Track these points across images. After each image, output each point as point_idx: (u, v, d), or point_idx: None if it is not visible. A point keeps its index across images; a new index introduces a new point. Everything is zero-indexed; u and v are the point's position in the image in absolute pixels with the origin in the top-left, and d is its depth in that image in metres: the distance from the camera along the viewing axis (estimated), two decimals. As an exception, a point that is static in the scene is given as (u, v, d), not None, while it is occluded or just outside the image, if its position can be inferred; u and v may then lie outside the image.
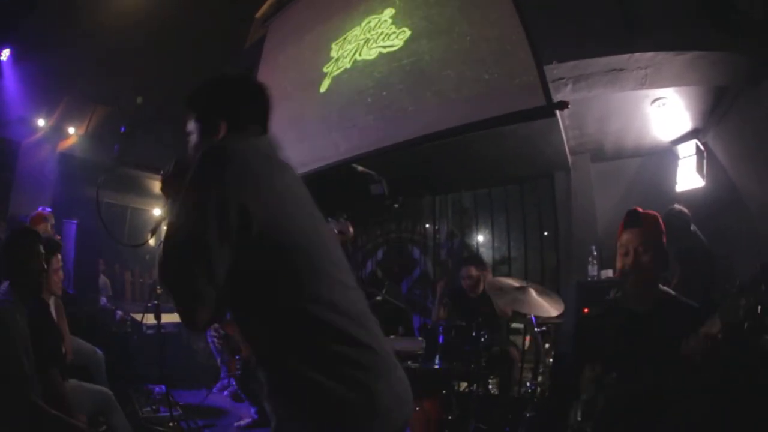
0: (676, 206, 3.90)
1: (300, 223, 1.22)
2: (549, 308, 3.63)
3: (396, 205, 4.35)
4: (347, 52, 4.64)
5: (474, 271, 4.25)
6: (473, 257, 4.73)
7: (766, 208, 3.71)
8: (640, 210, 2.11)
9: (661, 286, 2.11)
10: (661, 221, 2.10)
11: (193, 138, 1.41)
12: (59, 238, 4.73)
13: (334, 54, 4.80)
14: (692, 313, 1.98)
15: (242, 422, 4.12)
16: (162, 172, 1.42)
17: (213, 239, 1.07)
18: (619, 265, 2.12)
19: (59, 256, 3.26)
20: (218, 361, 5.01)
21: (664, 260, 2.07)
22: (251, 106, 1.43)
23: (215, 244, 1.07)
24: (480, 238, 6.25)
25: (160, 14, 5.98)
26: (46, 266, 2.75)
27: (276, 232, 1.14)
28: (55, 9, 5.79)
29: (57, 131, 6.50)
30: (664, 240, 2.07)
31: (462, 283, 4.32)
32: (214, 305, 1.09)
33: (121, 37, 5.96)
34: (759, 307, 2.32)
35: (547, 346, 4.96)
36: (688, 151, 4.54)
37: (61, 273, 3.27)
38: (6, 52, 5.81)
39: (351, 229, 3.47)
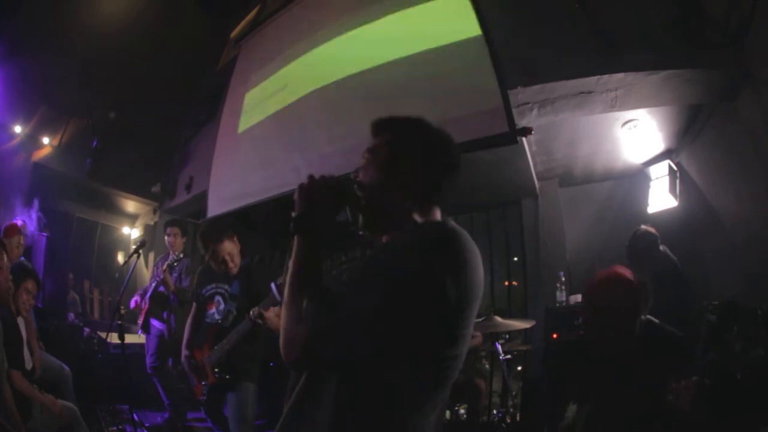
0: (642, 227, 3.90)
1: None
2: (518, 324, 3.65)
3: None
4: (314, 75, 4.58)
5: None
6: None
7: (744, 225, 3.69)
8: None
9: (644, 316, 2.06)
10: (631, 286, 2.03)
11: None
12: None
13: (300, 76, 4.74)
14: (677, 343, 1.96)
15: None
16: None
17: None
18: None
19: (33, 283, 3.36)
20: None
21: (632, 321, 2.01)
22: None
23: None
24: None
25: (137, 30, 5.96)
26: (15, 287, 3.02)
27: None
28: (36, 16, 5.74)
29: (32, 140, 6.39)
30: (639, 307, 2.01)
31: None
32: None
33: (99, 49, 5.93)
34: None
35: (519, 368, 4.95)
36: (660, 172, 4.53)
37: (32, 299, 3.36)
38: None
39: None
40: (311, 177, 1.28)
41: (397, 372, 1.05)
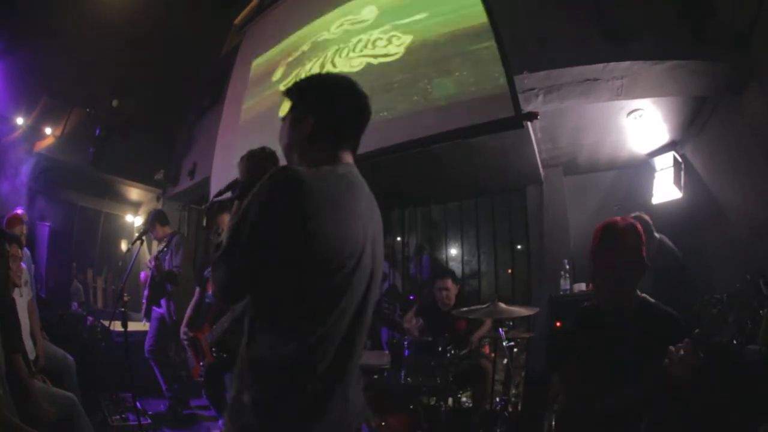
0: (634, 213, 3.87)
1: None
2: (521, 311, 3.62)
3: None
4: (319, 60, 4.58)
5: (450, 284, 4.28)
6: (450, 271, 4.70)
7: (748, 220, 3.66)
8: (617, 224, 2.04)
9: (639, 292, 2.05)
10: (638, 228, 2.02)
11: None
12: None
13: (307, 63, 4.74)
14: (673, 322, 1.95)
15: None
16: None
17: None
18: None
19: (16, 247, 3.29)
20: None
21: (641, 267, 2.00)
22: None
23: None
24: (450, 251, 6.19)
25: (139, 19, 5.94)
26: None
27: None
28: (36, 7, 5.73)
29: (34, 131, 6.41)
30: (643, 250, 2.00)
31: (436, 294, 4.32)
32: None
33: (100, 39, 5.91)
34: (748, 322, 2.32)
35: (523, 356, 4.95)
36: (665, 164, 4.49)
37: (20, 264, 3.35)
38: (-11, 49, 5.72)
39: None
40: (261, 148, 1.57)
41: (274, 301, 1.25)
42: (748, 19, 3.22)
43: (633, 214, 3.81)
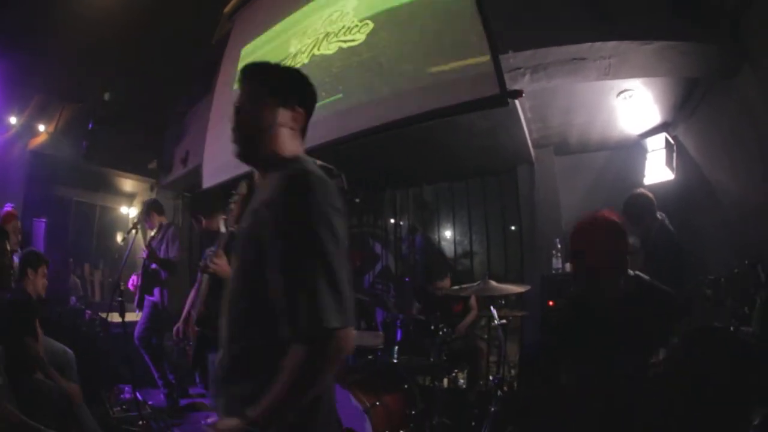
0: (638, 190, 3.86)
1: None
2: (512, 288, 3.63)
3: (357, 200, 4.32)
4: (305, 47, 4.58)
5: (449, 283, 4.32)
6: (444, 268, 4.66)
7: (740, 202, 3.68)
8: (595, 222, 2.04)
9: (632, 271, 2.05)
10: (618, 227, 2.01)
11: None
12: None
13: (292, 49, 4.74)
14: (669, 299, 1.96)
15: (210, 419, 4.03)
16: None
17: None
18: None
19: (45, 267, 3.57)
20: None
21: (618, 267, 2.01)
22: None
23: None
24: (442, 232, 6.22)
25: (129, 9, 5.92)
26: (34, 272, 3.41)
27: None
28: (27, 5, 5.71)
29: (28, 129, 6.42)
30: (621, 249, 2.00)
31: (436, 285, 4.35)
32: None
33: (89, 33, 5.89)
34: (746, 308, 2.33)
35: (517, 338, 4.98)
36: (657, 145, 4.50)
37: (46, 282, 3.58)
38: (-22, 50, 5.70)
39: None
40: None
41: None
42: (739, 2, 3.21)
43: (637, 191, 3.83)
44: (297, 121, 1.42)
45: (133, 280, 4.84)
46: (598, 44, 3.53)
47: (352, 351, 1.23)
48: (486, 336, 4.78)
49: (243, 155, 1.41)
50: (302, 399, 1.14)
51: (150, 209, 4.93)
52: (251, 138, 1.39)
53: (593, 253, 1.97)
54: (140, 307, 4.81)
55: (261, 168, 1.43)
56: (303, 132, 1.46)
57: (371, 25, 4.12)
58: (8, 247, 3.07)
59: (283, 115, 1.39)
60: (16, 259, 3.55)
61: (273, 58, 4.80)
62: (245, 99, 1.42)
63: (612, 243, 1.97)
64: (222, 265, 2.73)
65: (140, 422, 3.87)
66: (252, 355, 1.25)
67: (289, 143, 1.39)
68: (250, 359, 1.26)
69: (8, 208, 4.61)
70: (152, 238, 4.69)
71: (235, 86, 4.48)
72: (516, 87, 3.66)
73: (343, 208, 1.26)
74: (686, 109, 4.29)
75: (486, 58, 3.30)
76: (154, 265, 4.61)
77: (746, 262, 2.69)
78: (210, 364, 3.18)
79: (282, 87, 1.43)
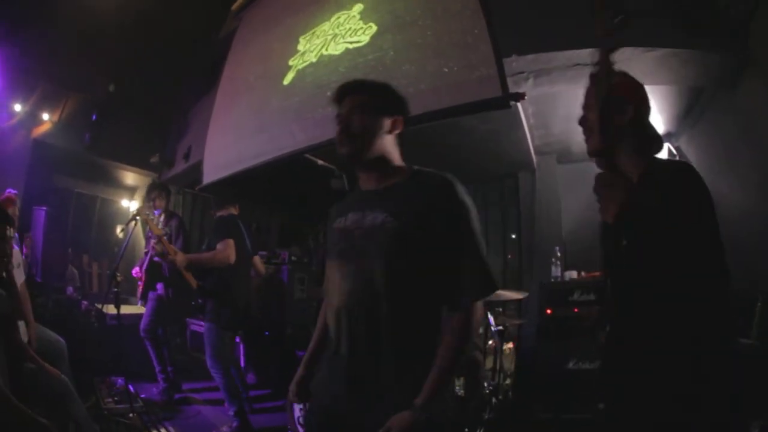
0: None
1: None
2: (510, 295, 3.64)
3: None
4: (314, 47, 4.58)
5: None
6: None
7: (742, 216, 3.62)
8: None
9: None
10: None
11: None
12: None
13: (301, 47, 4.74)
14: None
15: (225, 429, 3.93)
16: None
17: None
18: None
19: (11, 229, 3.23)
20: None
21: None
22: None
23: None
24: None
25: (135, 3, 5.94)
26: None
27: None
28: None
29: (32, 117, 6.43)
30: None
31: None
32: None
33: (97, 23, 5.92)
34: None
35: (512, 345, 4.95)
36: (659, 155, 4.48)
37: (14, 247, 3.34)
38: (-15, 36, 5.71)
39: None
40: None
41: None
42: (744, 10, 3.16)
43: None
44: None
45: (137, 271, 4.83)
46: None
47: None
48: (482, 345, 4.74)
49: None
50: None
51: (157, 190, 4.87)
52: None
53: None
54: (144, 299, 4.79)
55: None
56: None
57: (375, 27, 4.14)
58: (9, 234, 2.97)
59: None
60: (16, 247, 3.54)
61: (281, 57, 4.88)
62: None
63: None
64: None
65: (131, 414, 3.86)
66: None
67: None
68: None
69: (9, 192, 4.61)
70: (163, 234, 4.54)
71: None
72: (519, 90, 3.64)
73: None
74: (689, 119, 4.25)
75: (489, 60, 3.28)
76: (157, 258, 4.54)
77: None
78: None
79: None
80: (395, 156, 1.59)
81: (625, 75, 1.61)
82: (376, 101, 1.58)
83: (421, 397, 1.28)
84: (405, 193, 1.50)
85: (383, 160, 1.56)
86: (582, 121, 1.62)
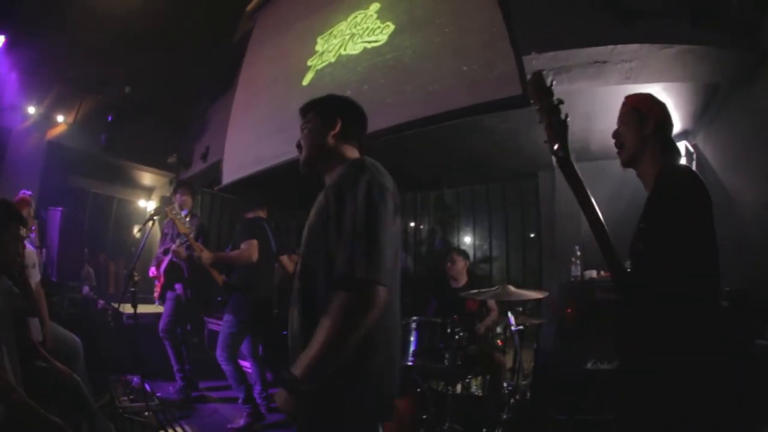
0: None
1: None
2: (530, 294, 3.61)
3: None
4: (332, 47, 4.59)
5: (456, 256, 4.38)
6: (462, 250, 4.76)
7: (759, 215, 3.59)
8: None
9: None
10: None
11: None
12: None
13: (319, 48, 4.75)
14: None
15: (235, 424, 3.97)
16: None
17: None
18: None
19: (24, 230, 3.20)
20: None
21: None
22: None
23: None
24: (461, 236, 6.17)
25: (151, 4, 5.97)
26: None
27: None
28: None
29: (46, 119, 6.49)
30: None
31: (446, 268, 4.39)
32: None
33: (113, 26, 5.96)
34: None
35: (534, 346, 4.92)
36: (677, 153, 4.44)
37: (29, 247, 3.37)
38: (0, 39, 5.77)
39: None
40: None
41: None
42: (758, 7, 3.15)
43: None
44: None
45: (153, 271, 4.84)
46: (619, 47, 3.49)
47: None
48: (502, 346, 4.73)
49: None
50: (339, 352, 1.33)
51: (185, 188, 4.84)
52: None
53: None
54: (162, 299, 4.80)
55: None
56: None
57: (392, 26, 4.13)
58: (22, 234, 2.92)
59: None
60: (30, 247, 3.54)
61: (299, 57, 4.88)
62: None
63: None
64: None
65: (146, 413, 3.86)
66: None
67: None
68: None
69: (24, 194, 4.63)
70: (188, 235, 4.48)
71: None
72: (539, 88, 3.62)
73: None
74: (706, 116, 4.22)
75: (508, 58, 3.27)
76: (176, 259, 4.54)
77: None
78: None
79: None
80: (338, 153, 1.68)
81: (648, 95, 1.85)
82: (311, 118, 1.72)
83: (290, 372, 1.34)
84: (330, 185, 1.59)
85: (327, 161, 1.67)
86: (615, 135, 1.87)
